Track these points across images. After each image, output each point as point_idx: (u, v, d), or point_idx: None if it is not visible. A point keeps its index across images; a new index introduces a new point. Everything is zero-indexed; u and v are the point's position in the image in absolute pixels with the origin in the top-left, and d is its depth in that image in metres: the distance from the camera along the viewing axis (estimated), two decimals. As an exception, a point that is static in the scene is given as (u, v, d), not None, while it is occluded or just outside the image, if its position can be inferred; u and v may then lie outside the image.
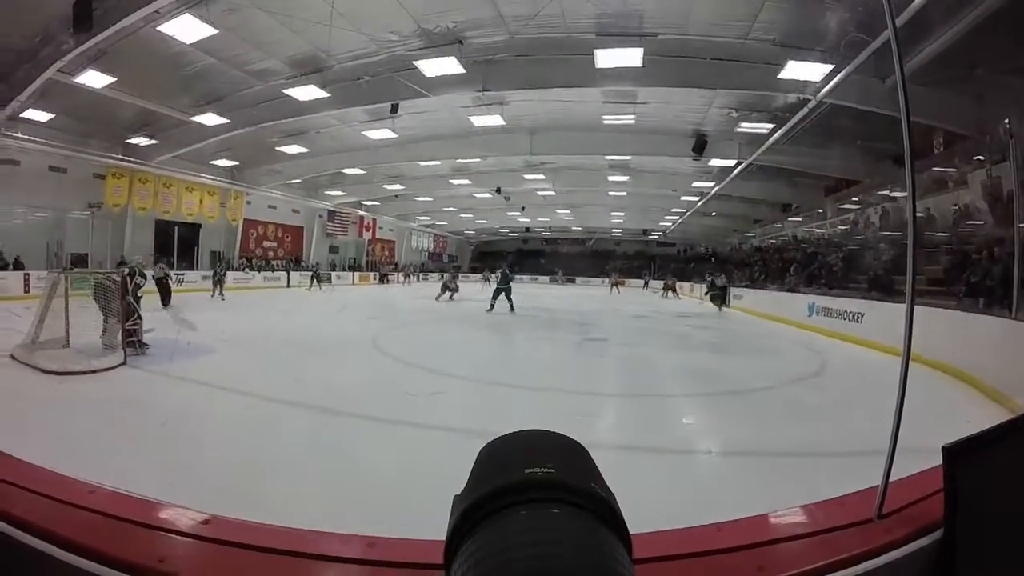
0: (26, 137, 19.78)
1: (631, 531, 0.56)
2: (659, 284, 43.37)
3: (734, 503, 1.24)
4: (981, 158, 15.57)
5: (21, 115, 18.06)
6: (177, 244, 29.29)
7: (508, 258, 37.44)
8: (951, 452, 1.26)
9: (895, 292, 14.62)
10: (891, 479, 1.44)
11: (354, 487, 4.66)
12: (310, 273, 35.39)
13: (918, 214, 12.24)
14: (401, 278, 47.74)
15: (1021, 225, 9.63)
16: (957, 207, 16.85)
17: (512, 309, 21.14)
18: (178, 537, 1.18)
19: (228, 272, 29.05)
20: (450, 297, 26.46)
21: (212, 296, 25.37)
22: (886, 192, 20.52)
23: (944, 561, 1.27)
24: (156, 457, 4.90)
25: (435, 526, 0.71)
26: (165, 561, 1.08)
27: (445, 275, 30.49)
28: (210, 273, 27.32)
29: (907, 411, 1.56)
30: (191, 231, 30.57)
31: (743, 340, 16.53)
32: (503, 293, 21.84)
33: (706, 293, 31.69)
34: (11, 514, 1.17)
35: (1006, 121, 11.94)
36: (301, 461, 5.25)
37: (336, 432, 6.17)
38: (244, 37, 14.84)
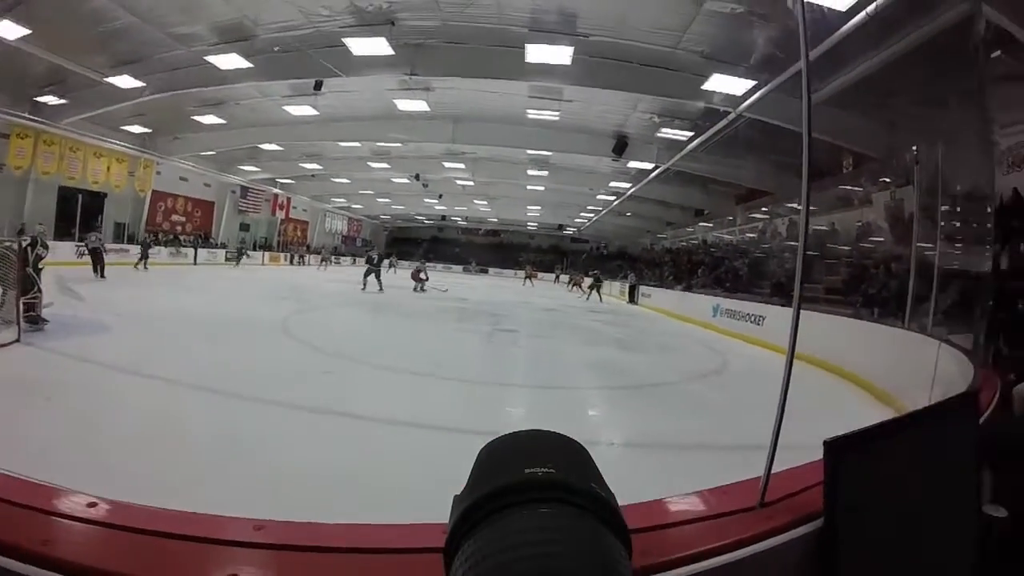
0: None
1: None
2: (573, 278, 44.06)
3: (629, 492, 1.30)
4: (887, 180, 16.41)
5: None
6: (80, 213, 27.71)
7: (372, 245, 36.52)
8: (831, 446, 1.34)
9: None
10: (777, 471, 1.51)
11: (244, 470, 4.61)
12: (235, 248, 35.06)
13: (822, 227, 12.97)
14: (317, 261, 46.54)
15: (918, 244, 10.24)
16: (860, 223, 17.75)
17: (380, 289, 24.21)
18: (63, 520, 1.13)
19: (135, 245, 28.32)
20: (422, 288, 26.94)
21: (136, 267, 25.56)
22: (794, 205, 21.33)
23: (824, 547, 1.35)
24: (42, 438, 4.73)
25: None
26: (49, 544, 1.04)
27: (415, 264, 30.14)
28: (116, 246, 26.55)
29: (803, 410, 1.65)
30: (96, 200, 28.82)
31: (650, 337, 16.92)
32: (373, 274, 24.80)
33: (622, 292, 33.82)
34: None
35: (914, 148, 12.63)
36: (192, 443, 5.16)
37: (229, 414, 6.05)
38: (170, -3, 14.20)
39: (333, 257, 52.80)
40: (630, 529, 1.19)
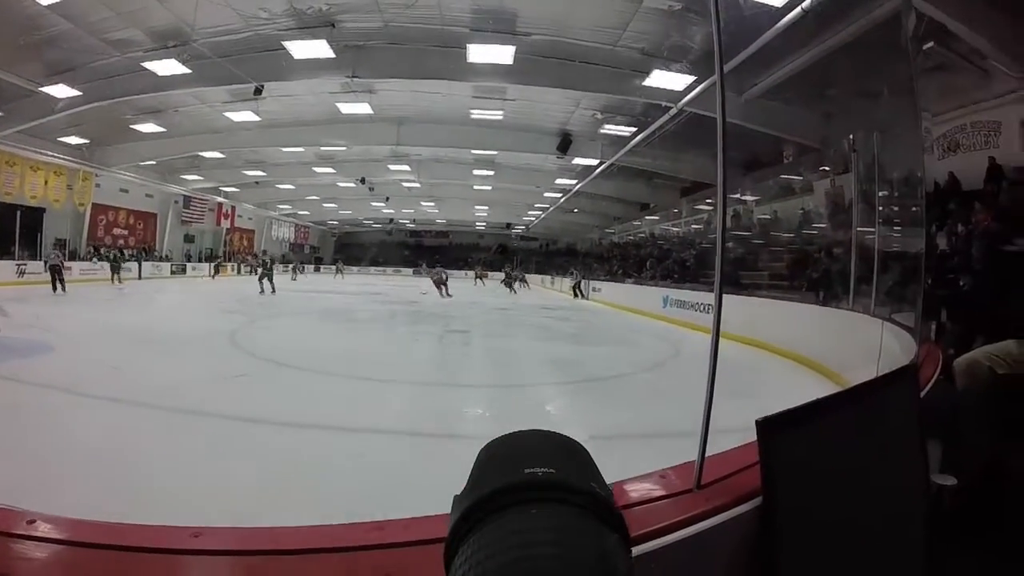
0: None
1: None
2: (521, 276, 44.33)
3: None
4: (827, 169, 16.85)
5: None
6: (19, 231, 26.71)
7: (268, 253, 36.48)
8: (764, 425, 1.38)
9: (742, 286, 15.58)
10: (715, 453, 1.56)
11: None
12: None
13: (766, 216, 13.25)
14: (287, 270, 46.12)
15: (859, 229, 10.56)
16: (803, 211, 18.24)
17: (273, 291, 25.70)
18: (4, 537, 1.12)
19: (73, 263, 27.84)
20: (446, 292, 27.78)
21: (112, 283, 26.42)
22: (738, 195, 21.74)
23: (763, 525, 1.39)
24: None
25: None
26: None
27: (433, 272, 30.96)
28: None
29: (754, 394, 1.70)
30: (34, 216, 27.89)
31: (602, 331, 17.06)
32: (266, 278, 26.36)
33: (571, 286, 34.19)
34: None
35: (851, 136, 13.01)
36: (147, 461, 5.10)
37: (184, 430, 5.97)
38: (105, 2, 13.79)
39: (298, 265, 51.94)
40: None
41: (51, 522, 1.19)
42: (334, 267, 51.74)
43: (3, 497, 1.44)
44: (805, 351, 10.74)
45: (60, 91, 17.95)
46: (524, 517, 0.53)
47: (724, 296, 1.76)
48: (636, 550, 1.18)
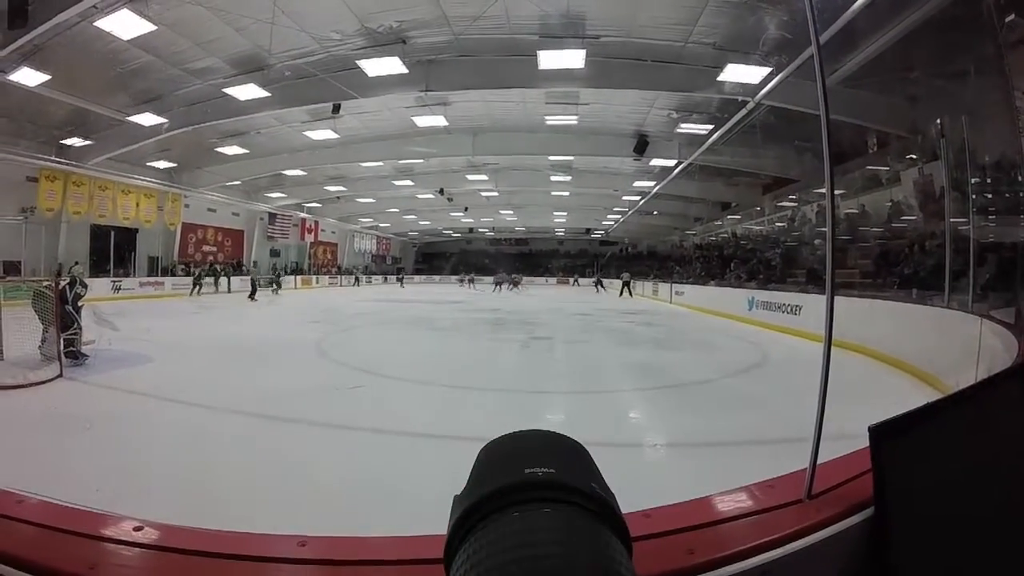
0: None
1: None
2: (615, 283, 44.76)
3: (677, 492, 1.33)
4: (914, 157, 16.11)
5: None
6: (113, 250, 28.24)
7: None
8: (876, 432, 1.31)
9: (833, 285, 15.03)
10: (822, 461, 1.48)
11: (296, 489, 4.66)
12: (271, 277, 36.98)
13: (852, 210, 12.76)
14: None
15: (952, 220, 10.06)
16: (891, 203, 17.43)
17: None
18: (109, 544, 1.16)
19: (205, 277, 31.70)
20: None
21: (251, 296, 28.91)
22: (821, 190, 21.07)
23: (876, 537, 1.33)
24: (89, 469, 4.85)
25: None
26: (96, 568, 1.07)
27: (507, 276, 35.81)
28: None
29: (845, 397, 1.60)
30: (128, 236, 29.40)
31: (685, 335, 16.76)
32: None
33: (621, 285, 39.01)
34: None
35: (938, 121, 12.41)
36: (241, 467, 5.21)
37: (275, 437, 6.12)
38: (184, 34, 14.42)
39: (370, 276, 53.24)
40: (681, 528, 1.21)
41: (156, 529, 1.23)
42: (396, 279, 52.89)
43: (108, 504, 1.46)
44: (899, 353, 10.26)
45: (146, 119, 19.00)
46: (524, 517, 0.53)
47: (812, 296, 1.66)
48: (747, 564, 1.19)
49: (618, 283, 40.12)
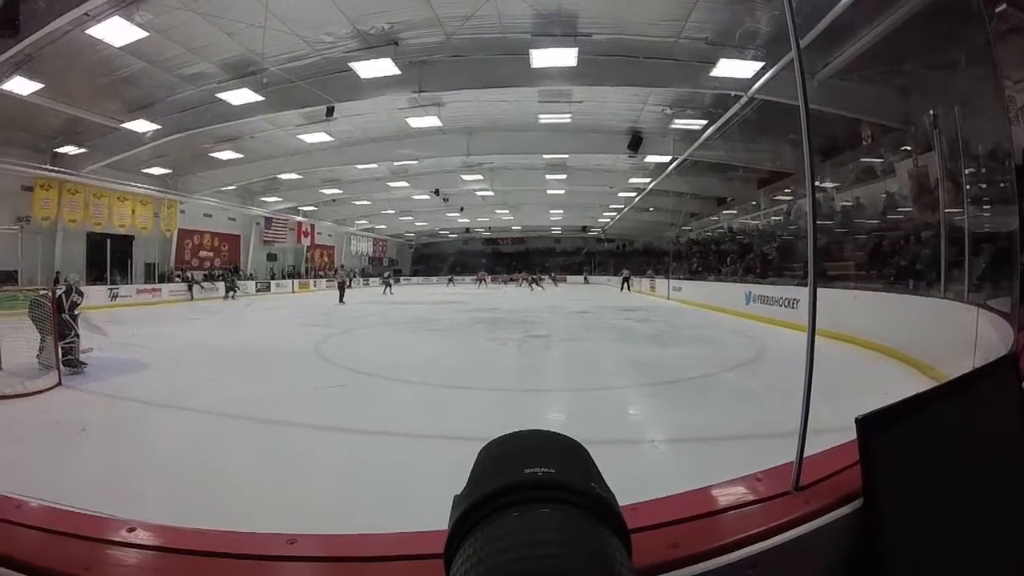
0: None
1: None
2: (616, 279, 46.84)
3: (673, 487, 1.34)
4: (908, 148, 16.11)
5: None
6: (110, 257, 28.08)
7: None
8: (864, 423, 1.31)
9: (827, 277, 15.01)
10: (811, 453, 1.48)
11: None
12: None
13: (847, 203, 12.73)
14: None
15: (947, 211, 10.08)
16: (886, 195, 17.42)
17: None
18: (103, 545, 1.18)
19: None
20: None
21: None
22: (817, 183, 21.00)
23: (865, 528, 1.33)
24: (88, 475, 4.91)
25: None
26: (91, 568, 1.09)
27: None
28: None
29: (846, 390, 1.60)
30: (124, 243, 29.23)
31: (683, 331, 16.75)
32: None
33: (621, 281, 42.91)
34: None
35: (931, 112, 12.44)
36: (237, 471, 5.23)
37: (272, 440, 6.15)
38: (176, 40, 14.37)
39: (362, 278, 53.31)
40: (666, 522, 1.20)
41: (150, 530, 1.24)
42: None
43: (103, 507, 1.48)
44: (896, 343, 10.30)
45: (140, 126, 18.91)
46: (524, 517, 0.54)
47: (807, 289, 1.68)
48: (735, 556, 1.19)
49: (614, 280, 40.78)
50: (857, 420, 1.31)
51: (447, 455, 5.05)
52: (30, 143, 21.10)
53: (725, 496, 1.43)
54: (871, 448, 1.32)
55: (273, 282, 41.35)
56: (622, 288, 41.67)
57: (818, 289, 1.69)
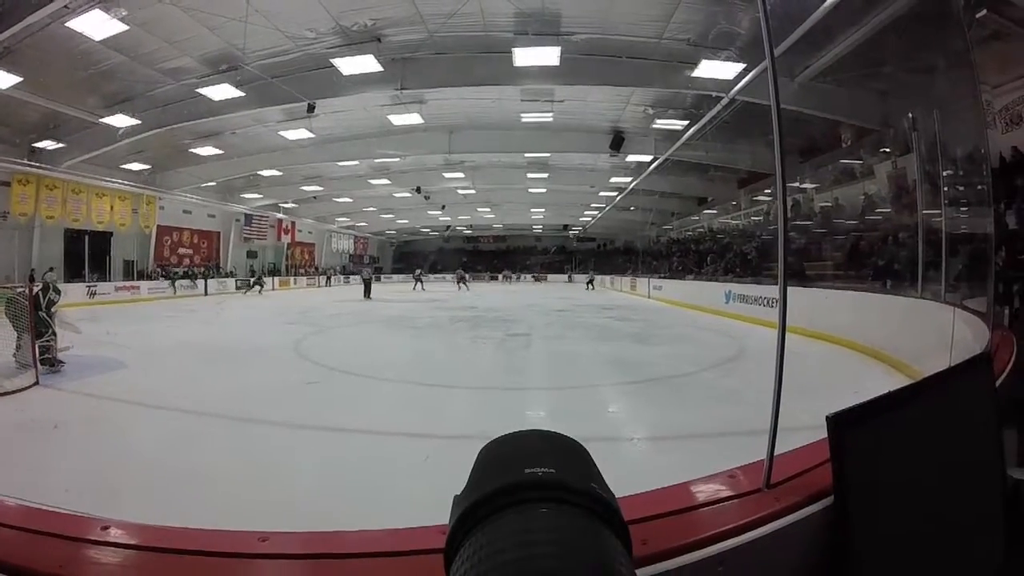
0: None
1: None
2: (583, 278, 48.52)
3: (650, 485, 1.37)
4: (887, 150, 16.29)
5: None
6: (88, 254, 27.92)
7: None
8: (835, 421, 1.32)
9: (806, 277, 15.13)
10: (783, 451, 1.52)
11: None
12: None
13: (827, 203, 12.85)
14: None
15: (924, 212, 10.20)
16: (864, 196, 17.60)
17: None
18: (79, 544, 1.19)
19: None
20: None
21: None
22: (796, 184, 21.22)
23: (836, 525, 1.34)
24: (66, 475, 4.88)
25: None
26: (65, 567, 1.10)
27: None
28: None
29: (824, 388, 1.61)
30: (102, 240, 28.98)
31: (664, 329, 16.81)
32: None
33: (588, 283, 46.00)
34: None
35: (910, 115, 12.59)
36: (212, 469, 5.23)
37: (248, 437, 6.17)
38: (156, 33, 14.18)
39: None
40: (636, 519, 1.18)
41: (124, 528, 1.25)
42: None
43: (80, 505, 1.48)
44: (874, 342, 10.44)
45: (119, 121, 18.67)
46: (524, 517, 0.53)
47: (788, 288, 1.68)
48: (706, 552, 1.20)
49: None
50: (828, 418, 1.33)
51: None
52: (7, 137, 20.73)
53: (696, 494, 1.44)
54: (842, 445, 1.33)
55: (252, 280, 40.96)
56: (587, 287, 45.13)
57: (796, 288, 1.71)
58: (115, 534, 1.22)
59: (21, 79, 15.03)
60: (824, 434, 1.36)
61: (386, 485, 4.78)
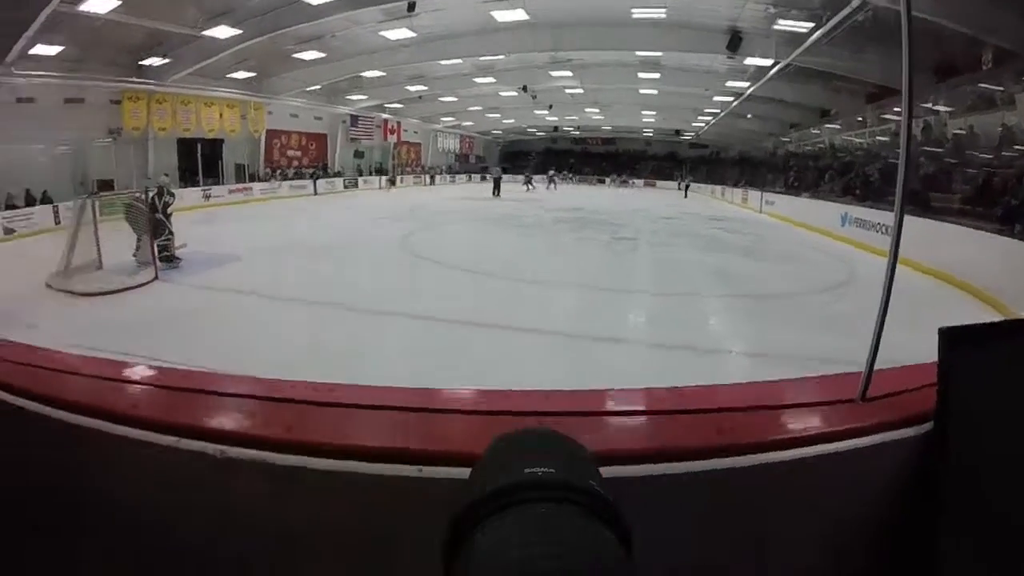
0: (38, 73, 19.54)
1: None
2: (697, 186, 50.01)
3: None
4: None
5: (29, 52, 17.78)
6: (201, 160, 29.21)
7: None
8: (948, 336, 1.17)
9: (932, 209, 14.14)
10: (882, 367, 1.38)
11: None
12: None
13: (960, 131, 11.95)
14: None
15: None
16: (1002, 127, 16.14)
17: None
18: (148, 387, 1.37)
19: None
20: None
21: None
22: (929, 105, 19.54)
23: (931, 453, 1.22)
24: (177, 352, 5.80)
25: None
26: (137, 407, 1.24)
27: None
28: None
29: (920, 324, 1.57)
30: (214, 146, 30.25)
31: (773, 246, 16.59)
32: None
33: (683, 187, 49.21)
34: (61, 398, 1.27)
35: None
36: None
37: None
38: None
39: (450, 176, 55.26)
40: (711, 408, 1.27)
41: (177, 373, 1.51)
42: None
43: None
44: (991, 288, 9.79)
45: (221, 32, 19.35)
46: (524, 517, 0.53)
47: (909, 218, 1.61)
48: (782, 455, 1.16)
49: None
50: (940, 331, 1.18)
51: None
52: (113, 59, 21.62)
53: (788, 393, 1.44)
54: (952, 367, 1.19)
55: (360, 179, 42.09)
56: (685, 195, 47.44)
57: (919, 219, 1.34)
58: (174, 376, 1.45)
59: (119, 3, 15.74)
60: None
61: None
